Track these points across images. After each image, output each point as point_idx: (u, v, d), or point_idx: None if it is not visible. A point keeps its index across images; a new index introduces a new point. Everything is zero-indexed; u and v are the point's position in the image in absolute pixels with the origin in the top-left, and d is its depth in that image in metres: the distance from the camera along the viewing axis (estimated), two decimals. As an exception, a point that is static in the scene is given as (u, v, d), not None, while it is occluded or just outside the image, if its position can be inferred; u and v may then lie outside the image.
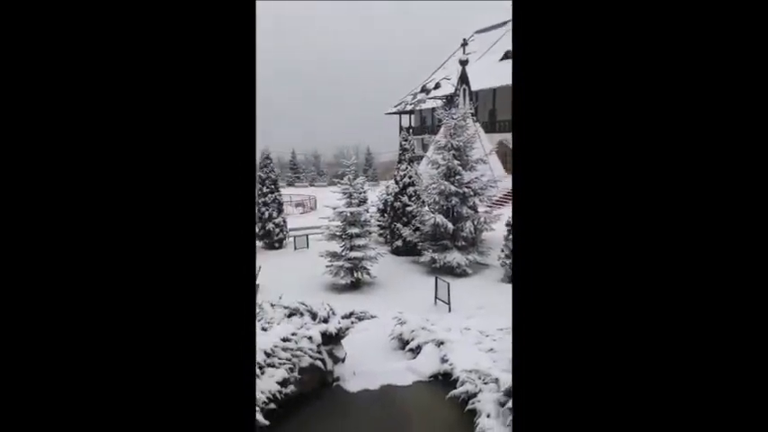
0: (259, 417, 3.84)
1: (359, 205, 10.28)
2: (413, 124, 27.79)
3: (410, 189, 12.03)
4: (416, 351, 5.86)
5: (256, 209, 13.95)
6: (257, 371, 4.20)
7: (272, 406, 4.14)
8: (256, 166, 14.74)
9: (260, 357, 4.32)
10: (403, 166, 12.28)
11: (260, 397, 4.04)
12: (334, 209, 10.10)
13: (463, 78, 14.02)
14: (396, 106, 28.60)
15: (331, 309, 5.48)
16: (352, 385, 5.09)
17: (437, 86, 25.83)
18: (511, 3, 1.71)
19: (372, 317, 5.71)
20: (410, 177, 12.12)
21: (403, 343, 6.23)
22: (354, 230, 9.78)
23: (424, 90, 27.07)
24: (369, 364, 5.58)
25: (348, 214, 9.92)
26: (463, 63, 14.30)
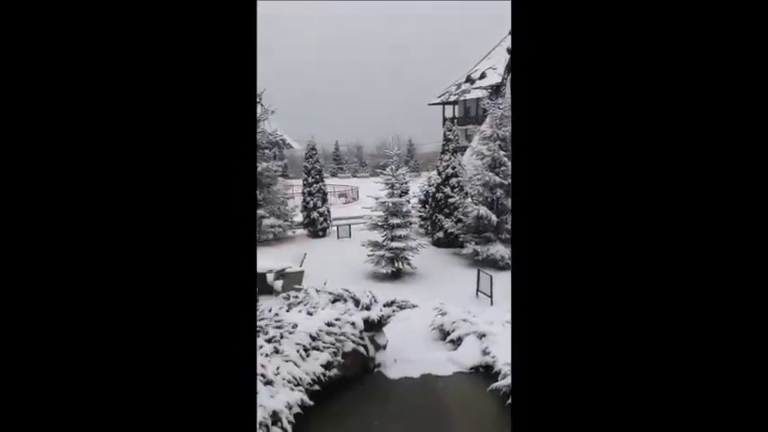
0: (304, 397, 4.00)
1: (401, 196, 10.30)
2: (456, 115, 27.33)
3: (453, 180, 11.88)
4: (457, 342, 5.84)
5: (302, 198, 14.34)
6: (303, 353, 4.37)
7: (317, 387, 4.29)
8: (290, 159, 15.02)
9: (305, 340, 4.48)
10: (446, 157, 12.13)
11: (305, 378, 4.20)
12: (377, 199, 10.17)
13: (510, 67, 13.57)
14: (439, 97, 28.21)
15: (373, 296, 5.56)
16: (393, 372, 5.17)
17: (482, 76, 25.18)
18: None
19: (414, 306, 5.73)
20: (453, 168, 11.96)
21: (444, 334, 6.22)
22: (396, 221, 9.82)
23: (469, 80, 26.48)
24: (409, 353, 5.63)
25: (390, 204, 9.96)
26: (511, 51, 13.80)
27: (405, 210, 10.23)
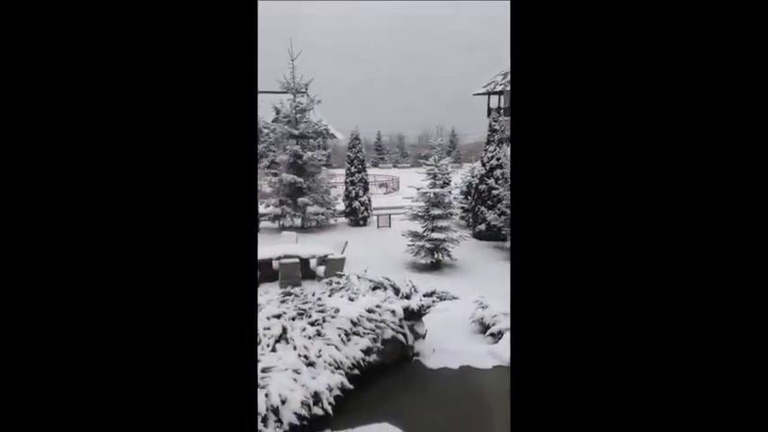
0: (344, 380, 4.09)
1: (442, 187, 10.19)
2: (502, 105, 26.52)
3: (497, 171, 11.60)
4: (497, 336, 5.74)
5: (344, 187, 14.53)
6: (344, 337, 4.46)
7: (356, 372, 4.37)
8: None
9: (346, 325, 4.57)
10: (491, 148, 11.84)
11: (345, 362, 4.29)
12: (418, 189, 10.13)
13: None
14: (484, 87, 27.45)
15: (413, 286, 5.57)
16: (432, 362, 5.17)
17: (531, 64, 24.20)
18: None
19: (454, 298, 5.68)
20: (498, 159, 11.66)
21: (484, 327, 6.14)
22: (437, 212, 9.74)
23: (517, 68, 25.51)
24: (448, 344, 5.60)
25: (431, 195, 9.89)
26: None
27: (446, 201, 10.12)
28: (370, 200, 14.52)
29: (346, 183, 14.38)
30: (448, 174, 10.91)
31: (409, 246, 9.88)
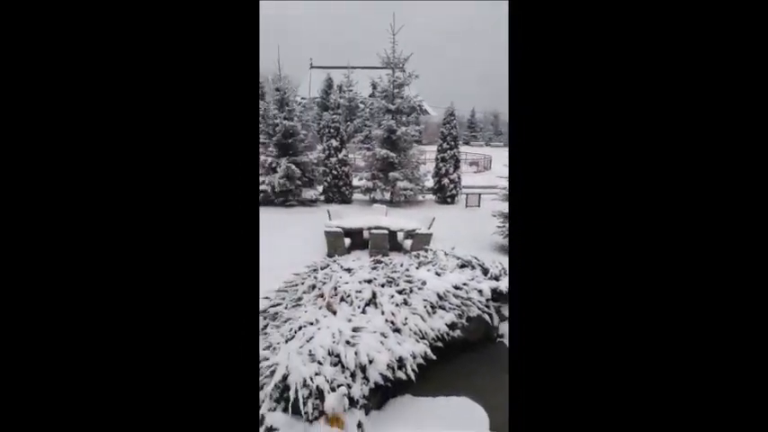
0: (428, 350, 4.20)
1: (541, 168, 9.60)
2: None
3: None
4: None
5: (434, 164, 14.45)
6: (429, 309, 4.55)
7: (440, 344, 4.46)
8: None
9: (432, 298, 4.65)
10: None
11: (429, 333, 4.40)
12: (514, 169, 9.67)
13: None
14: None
15: (503, 268, 5.44)
16: (517, 346, 5.05)
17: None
18: None
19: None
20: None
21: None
22: (533, 194, 9.24)
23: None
24: (536, 331, 5.41)
25: (528, 176, 9.38)
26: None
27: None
28: (459, 178, 14.26)
29: (437, 159, 14.26)
30: (547, 154, 10.22)
31: (499, 227, 9.56)
